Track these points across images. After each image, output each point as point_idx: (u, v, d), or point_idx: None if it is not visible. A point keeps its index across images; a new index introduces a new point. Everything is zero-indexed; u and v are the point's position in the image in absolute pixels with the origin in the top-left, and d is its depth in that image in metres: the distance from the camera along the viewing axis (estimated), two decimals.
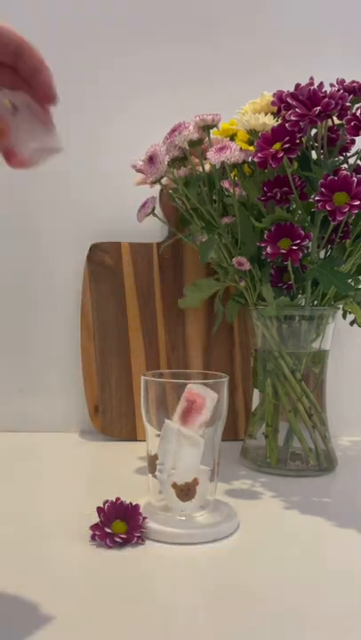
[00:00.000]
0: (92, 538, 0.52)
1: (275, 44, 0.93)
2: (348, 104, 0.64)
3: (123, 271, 0.91)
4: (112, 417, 0.91)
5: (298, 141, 0.64)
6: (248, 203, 0.73)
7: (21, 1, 0.93)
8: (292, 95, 0.65)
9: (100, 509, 0.54)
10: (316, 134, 0.68)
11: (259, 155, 0.65)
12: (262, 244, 0.67)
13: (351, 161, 0.70)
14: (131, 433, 0.90)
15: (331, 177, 0.63)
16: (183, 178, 0.73)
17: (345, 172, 0.63)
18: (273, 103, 0.68)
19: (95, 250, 0.91)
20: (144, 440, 0.59)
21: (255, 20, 0.94)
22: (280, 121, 0.68)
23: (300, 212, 0.70)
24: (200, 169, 0.73)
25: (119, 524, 0.53)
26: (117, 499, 0.55)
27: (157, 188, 0.77)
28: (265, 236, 0.67)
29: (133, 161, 0.77)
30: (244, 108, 0.73)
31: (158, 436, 0.56)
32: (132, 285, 0.91)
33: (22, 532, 0.55)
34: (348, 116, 0.63)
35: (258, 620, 0.42)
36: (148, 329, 0.91)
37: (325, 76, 0.66)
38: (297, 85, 0.66)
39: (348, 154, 0.70)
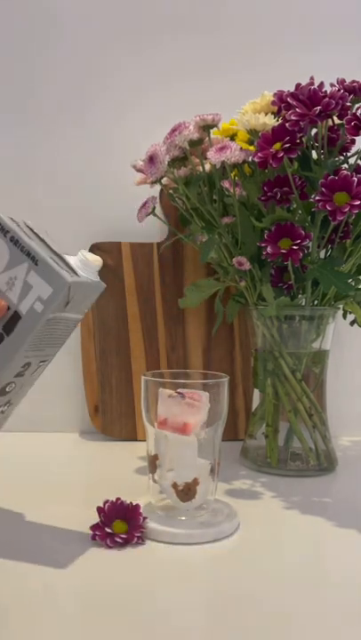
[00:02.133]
0: (92, 538, 0.52)
1: (276, 41, 0.93)
2: (348, 104, 0.64)
3: (123, 271, 0.91)
4: (112, 417, 0.90)
5: (298, 141, 0.64)
6: (248, 203, 0.73)
7: (23, 4, 0.93)
8: (292, 95, 0.64)
9: (100, 509, 0.54)
10: (316, 134, 0.68)
11: (259, 154, 0.65)
12: (262, 244, 0.67)
13: (351, 161, 0.70)
14: (131, 433, 0.90)
15: (331, 177, 0.63)
16: (183, 178, 0.73)
17: (345, 171, 0.63)
18: (273, 103, 0.68)
19: (95, 250, 0.91)
20: (144, 440, 0.59)
21: (258, 17, 0.94)
22: (280, 121, 0.68)
23: (300, 211, 0.70)
24: (200, 169, 0.73)
25: (119, 524, 0.53)
26: (117, 499, 0.54)
27: (158, 187, 0.77)
28: (265, 236, 0.67)
29: (134, 161, 0.77)
30: (245, 108, 0.73)
31: None
32: (132, 285, 0.91)
33: (22, 532, 0.55)
34: (349, 116, 0.63)
35: (258, 620, 0.42)
36: (148, 329, 0.91)
37: (326, 75, 0.66)
38: (297, 85, 0.66)
39: (349, 154, 0.70)
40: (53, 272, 0.48)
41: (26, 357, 0.50)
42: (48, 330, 0.50)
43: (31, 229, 0.52)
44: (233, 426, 0.91)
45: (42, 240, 0.52)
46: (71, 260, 0.52)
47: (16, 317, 0.49)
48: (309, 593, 0.46)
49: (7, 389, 0.51)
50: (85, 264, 0.52)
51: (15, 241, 0.49)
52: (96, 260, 0.53)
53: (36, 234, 0.52)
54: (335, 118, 0.67)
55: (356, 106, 0.66)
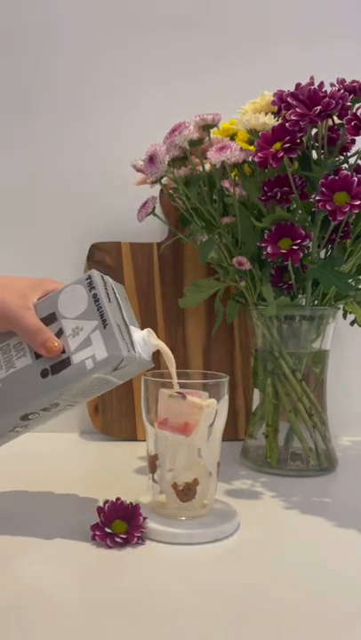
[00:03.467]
0: (92, 538, 0.52)
1: (276, 41, 0.93)
2: (348, 104, 0.64)
3: (123, 271, 0.91)
4: (112, 417, 0.90)
5: (298, 141, 0.64)
6: (248, 202, 0.73)
7: (27, 3, 0.93)
8: (292, 95, 0.64)
9: (100, 509, 0.54)
10: (316, 134, 0.68)
11: (259, 154, 0.65)
12: (263, 244, 0.67)
13: (352, 161, 0.70)
14: (131, 433, 0.90)
15: (331, 177, 0.63)
16: (183, 177, 0.73)
17: (345, 171, 0.63)
18: (273, 103, 0.68)
19: (95, 250, 0.91)
20: (144, 440, 0.59)
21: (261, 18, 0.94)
22: (280, 120, 0.68)
23: (300, 211, 0.70)
24: (200, 169, 0.73)
25: (119, 524, 0.53)
26: (117, 499, 0.54)
27: (158, 187, 0.77)
28: (265, 236, 0.67)
29: (134, 161, 0.77)
30: (245, 108, 0.73)
31: None
32: (132, 285, 0.91)
33: (22, 532, 0.55)
34: (349, 116, 0.63)
35: (258, 620, 0.42)
36: None
37: (326, 74, 0.66)
38: (297, 85, 0.66)
39: (349, 153, 0.70)
40: (115, 342, 0.51)
41: (58, 399, 0.53)
42: (89, 385, 0.54)
43: (114, 292, 0.56)
44: (233, 426, 0.91)
45: (119, 305, 0.56)
46: (136, 333, 0.56)
47: (66, 363, 0.52)
48: (309, 593, 0.46)
49: (30, 417, 0.54)
50: (146, 343, 0.56)
51: (96, 299, 0.53)
52: (156, 346, 0.57)
53: (116, 298, 0.56)
54: (335, 118, 0.67)
55: (357, 106, 0.66)
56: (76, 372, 0.52)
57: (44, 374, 0.52)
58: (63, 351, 0.52)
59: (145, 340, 0.56)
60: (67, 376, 0.52)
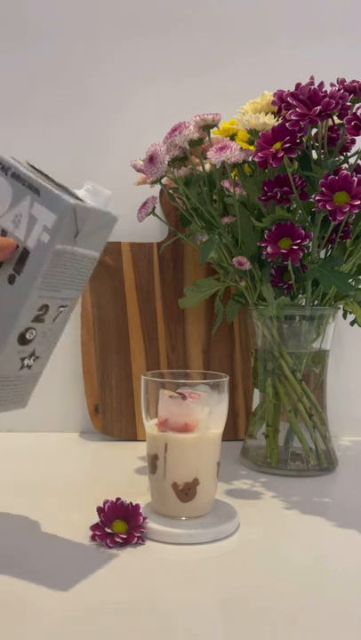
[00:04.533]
0: (92, 538, 0.52)
1: (277, 41, 0.93)
2: (348, 104, 0.64)
3: (123, 271, 0.91)
4: (112, 417, 0.90)
5: (298, 141, 0.64)
6: (248, 202, 0.73)
7: (26, 2, 0.93)
8: (292, 95, 0.64)
9: (100, 509, 0.54)
10: (316, 134, 0.68)
11: (259, 154, 0.65)
12: (263, 244, 0.67)
13: (352, 160, 0.70)
14: (131, 433, 0.90)
15: (331, 177, 0.63)
16: (183, 177, 0.73)
17: (345, 171, 0.63)
18: (273, 103, 0.68)
19: None
20: (144, 440, 0.59)
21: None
22: (280, 120, 0.68)
23: (300, 211, 0.70)
24: (200, 168, 0.73)
25: (119, 524, 0.53)
26: (117, 499, 0.54)
27: (158, 187, 0.77)
28: (265, 236, 0.67)
29: (134, 161, 0.77)
30: (245, 108, 0.73)
31: None
32: (132, 285, 0.91)
33: (22, 533, 0.55)
34: (349, 116, 0.63)
35: (258, 620, 0.42)
36: (149, 329, 0.91)
37: (326, 74, 0.66)
38: (297, 85, 0.66)
39: (349, 153, 0.70)
40: (56, 197, 0.46)
41: (41, 297, 0.49)
42: (60, 265, 0.49)
43: (33, 167, 0.51)
44: (233, 426, 0.91)
45: (45, 175, 0.50)
46: (79, 192, 0.51)
47: (25, 254, 0.47)
48: (309, 593, 0.46)
49: (28, 337, 0.50)
50: (94, 193, 0.51)
51: (17, 176, 0.48)
52: (105, 190, 0.51)
53: (39, 170, 0.51)
54: (335, 118, 0.67)
55: (357, 106, 0.66)
56: (38, 255, 0.47)
57: (11, 280, 0.48)
58: (17, 246, 0.48)
59: (91, 191, 0.51)
60: (32, 264, 0.47)
